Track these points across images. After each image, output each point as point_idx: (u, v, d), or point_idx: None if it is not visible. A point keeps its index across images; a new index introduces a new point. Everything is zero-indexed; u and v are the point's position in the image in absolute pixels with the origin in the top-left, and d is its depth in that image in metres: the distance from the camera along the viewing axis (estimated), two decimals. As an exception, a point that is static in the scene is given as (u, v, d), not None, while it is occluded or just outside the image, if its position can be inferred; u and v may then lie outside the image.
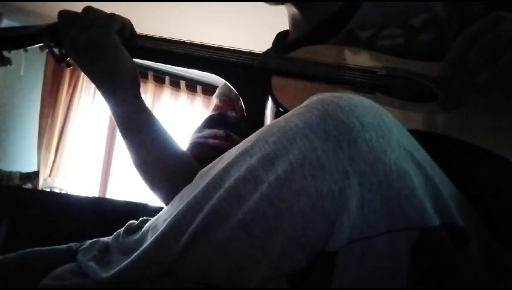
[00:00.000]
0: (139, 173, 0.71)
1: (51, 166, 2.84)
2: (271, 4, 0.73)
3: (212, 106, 0.85)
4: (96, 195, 2.97)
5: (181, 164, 0.70)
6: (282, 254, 0.33)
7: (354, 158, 0.32)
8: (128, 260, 0.41)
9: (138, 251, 0.40)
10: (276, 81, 0.57)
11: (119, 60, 0.62)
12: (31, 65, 2.52)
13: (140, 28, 0.69)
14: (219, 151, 0.60)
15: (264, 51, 0.79)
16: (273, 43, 0.83)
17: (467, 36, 0.51)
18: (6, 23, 2.74)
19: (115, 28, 0.62)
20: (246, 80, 0.63)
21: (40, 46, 0.67)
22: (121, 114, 0.66)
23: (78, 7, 0.64)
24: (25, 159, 2.79)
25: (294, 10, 0.75)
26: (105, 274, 0.42)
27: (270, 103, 0.56)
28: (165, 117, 3.26)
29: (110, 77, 0.63)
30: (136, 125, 0.67)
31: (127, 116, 0.66)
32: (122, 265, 0.41)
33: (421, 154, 0.37)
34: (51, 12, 0.67)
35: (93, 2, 0.65)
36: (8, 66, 0.68)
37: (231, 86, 0.66)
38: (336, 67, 0.59)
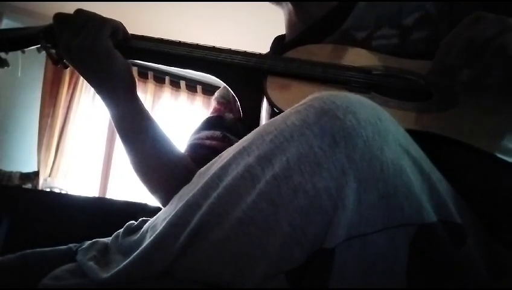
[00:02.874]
0: (138, 176, 0.71)
1: (51, 166, 2.83)
2: (273, 3, 0.74)
3: (211, 108, 0.85)
4: (96, 195, 2.97)
5: (179, 165, 0.70)
6: (281, 251, 0.33)
7: (350, 155, 0.33)
8: (128, 260, 0.41)
9: (137, 251, 0.40)
10: (271, 81, 0.57)
11: (112, 63, 0.62)
12: (31, 65, 2.52)
13: (139, 29, 0.69)
14: (216, 151, 0.60)
15: (263, 53, 0.80)
16: (271, 47, 0.83)
17: (447, 38, 0.52)
18: (6, 23, 2.74)
19: (107, 31, 0.62)
20: (242, 80, 0.63)
21: (37, 48, 0.67)
22: (118, 116, 0.66)
23: (78, 7, 0.64)
24: (25, 159, 2.79)
25: (290, 9, 0.76)
26: (104, 274, 0.42)
27: (265, 104, 0.56)
28: (165, 117, 3.26)
29: (105, 80, 0.63)
30: (133, 126, 0.67)
31: (124, 118, 0.66)
32: (121, 265, 0.41)
33: (417, 152, 0.38)
34: (51, 12, 0.67)
35: (92, 2, 0.65)
36: (6, 67, 0.68)
37: (227, 87, 0.66)
38: (331, 67, 0.59)
